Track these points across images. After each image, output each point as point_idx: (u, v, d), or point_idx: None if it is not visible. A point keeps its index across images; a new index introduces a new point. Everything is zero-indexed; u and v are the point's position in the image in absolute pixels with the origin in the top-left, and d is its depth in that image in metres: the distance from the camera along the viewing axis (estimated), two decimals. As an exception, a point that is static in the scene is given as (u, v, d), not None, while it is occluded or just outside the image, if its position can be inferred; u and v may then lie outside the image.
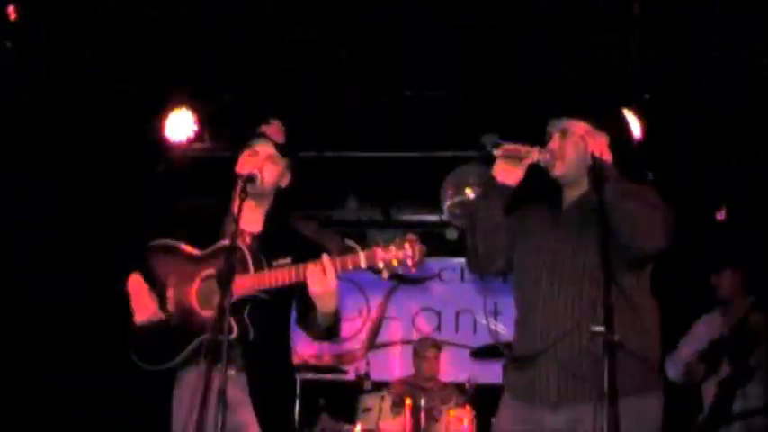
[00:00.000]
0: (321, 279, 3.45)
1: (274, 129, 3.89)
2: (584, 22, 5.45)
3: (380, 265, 3.40)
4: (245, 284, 3.57)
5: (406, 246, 3.39)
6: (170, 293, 3.78)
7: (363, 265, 3.43)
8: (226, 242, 3.70)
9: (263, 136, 3.85)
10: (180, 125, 6.51)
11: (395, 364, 8.19)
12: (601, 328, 2.84)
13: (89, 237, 6.39)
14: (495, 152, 3.49)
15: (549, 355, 3.36)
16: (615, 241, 3.19)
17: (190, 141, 6.54)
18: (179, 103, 6.50)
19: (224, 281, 3.31)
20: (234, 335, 3.58)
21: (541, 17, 5.44)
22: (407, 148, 7.05)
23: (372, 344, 8.38)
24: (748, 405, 5.21)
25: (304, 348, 7.93)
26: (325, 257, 3.46)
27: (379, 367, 7.30)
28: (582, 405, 3.23)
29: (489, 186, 3.58)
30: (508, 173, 3.53)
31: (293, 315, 3.89)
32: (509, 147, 3.49)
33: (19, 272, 6.03)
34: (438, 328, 8.34)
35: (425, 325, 8.39)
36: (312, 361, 8.00)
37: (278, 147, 3.85)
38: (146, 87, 6.36)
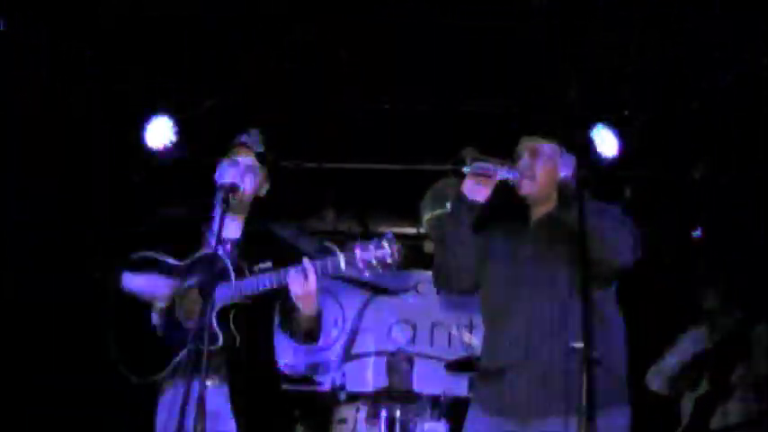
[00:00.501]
0: (302, 282, 3.49)
1: (253, 138, 3.89)
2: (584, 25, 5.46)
3: (360, 265, 3.43)
4: (227, 293, 3.59)
5: (385, 244, 3.42)
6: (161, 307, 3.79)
7: (343, 266, 3.46)
8: (205, 252, 3.72)
9: (243, 145, 3.86)
10: (159, 131, 6.50)
11: (369, 376, 8.16)
12: (580, 345, 2.87)
13: (89, 237, 6.35)
14: (465, 170, 3.52)
15: (518, 370, 3.40)
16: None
17: (168, 148, 6.52)
18: (159, 109, 6.49)
19: (206, 291, 3.33)
20: (219, 343, 3.59)
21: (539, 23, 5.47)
22: (387, 160, 7.05)
23: (348, 355, 8.35)
24: (728, 422, 5.24)
25: (280, 358, 7.87)
26: (305, 261, 3.49)
27: (353, 379, 7.27)
28: (552, 418, 3.29)
29: (458, 203, 3.61)
30: (477, 190, 3.57)
31: (276, 320, 3.91)
32: (479, 164, 3.52)
33: (19, 272, 5.99)
34: (413, 340, 8.33)
35: (400, 337, 8.38)
36: (287, 371, 7.96)
37: (258, 156, 3.85)
38: (146, 88, 6.33)
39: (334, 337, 8.38)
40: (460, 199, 3.59)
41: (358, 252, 3.43)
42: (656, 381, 5.64)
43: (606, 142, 6.25)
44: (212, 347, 3.56)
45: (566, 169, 3.55)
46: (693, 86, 5.93)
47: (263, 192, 3.97)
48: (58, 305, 6.09)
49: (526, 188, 3.59)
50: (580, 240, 3.08)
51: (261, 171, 3.90)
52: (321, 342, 8.15)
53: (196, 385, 3.48)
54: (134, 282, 3.81)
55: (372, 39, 5.75)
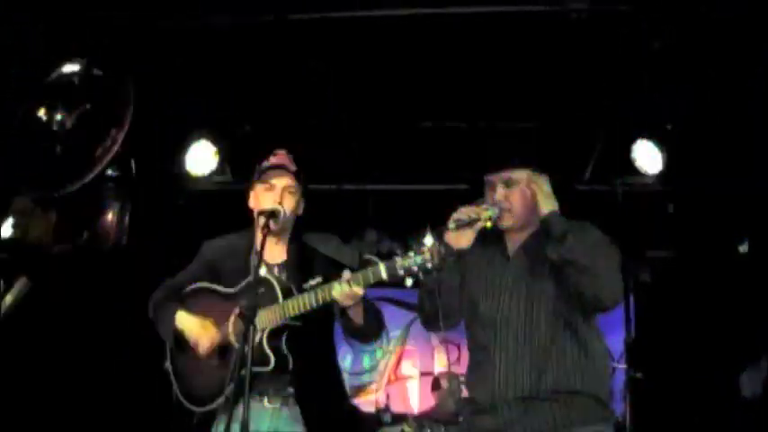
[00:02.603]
0: (348, 294, 3.50)
1: (284, 158, 3.89)
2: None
3: (401, 273, 3.42)
4: (275, 314, 3.62)
5: (424, 249, 3.41)
6: (212, 325, 3.79)
7: (384, 275, 3.47)
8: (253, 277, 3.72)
9: (277, 167, 3.85)
10: (201, 157, 6.56)
11: (414, 397, 8.13)
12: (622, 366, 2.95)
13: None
14: (448, 225, 3.51)
15: (504, 399, 3.40)
16: (570, 290, 3.36)
17: (211, 174, 6.57)
18: (199, 136, 6.54)
19: (248, 315, 3.34)
20: (270, 366, 3.61)
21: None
22: (427, 180, 7.04)
23: (392, 377, 8.33)
24: None
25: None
26: (346, 273, 3.51)
27: (397, 400, 7.26)
28: None
29: (446, 254, 3.56)
30: (461, 238, 3.54)
31: (341, 334, 3.90)
32: (460, 216, 3.50)
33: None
34: (458, 360, 8.27)
35: (445, 358, 8.32)
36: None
37: (293, 176, 3.86)
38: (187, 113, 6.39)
39: (378, 358, 8.35)
40: (447, 250, 3.55)
41: (398, 260, 3.43)
42: (748, 384, 5.51)
43: (649, 158, 6.21)
44: (262, 370, 3.59)
45: (543, 195, 3.50)
46: (736, 97, 5.83)
47: (300, 210, 3.96)
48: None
49: (507, 221, 3.57)
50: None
51: (298, 191, 3.89)
52: (366, 365, 8.33)
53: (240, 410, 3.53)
54: (183, 321, 3.83)
55: (408, 58, 5.74)
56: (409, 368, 8.38)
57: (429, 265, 3.40)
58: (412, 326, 8.46)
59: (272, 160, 3.92)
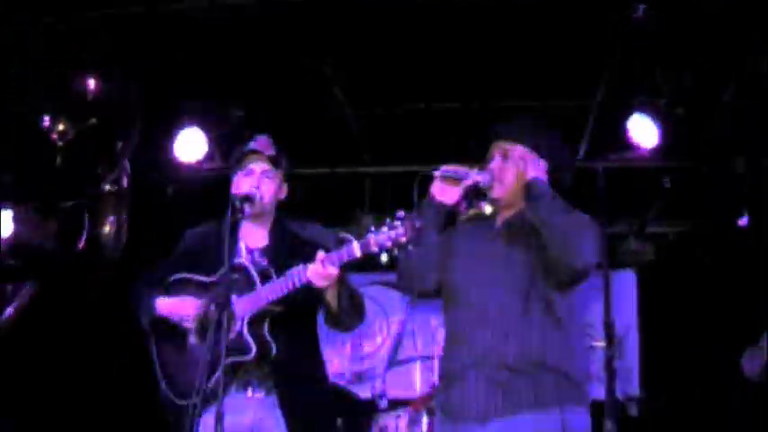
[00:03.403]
0: (323, 275, 3.47)
1: (263, 143, 3.84)
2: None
3: (375, 249, 3.39)
4: (254, 300, 3.58)
5: (397, 224, 3.37)
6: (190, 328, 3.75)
7: (359, 253, 3.43)
8: (233, 262, 3.67)
9: (254, 152, 3.81)
10: (191, 144, 6.48)
11: (416, 381, 8.05)
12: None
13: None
14: (435, 173, 3.53)
15: (476, 371, 3.36)
16: (545, 258, 3.34)
17: (200, 161, 6.49)
18: (189, 122, 6.46)
19: (220, 303, 3.28)
20: (251, 354, 3.56)
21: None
22: (422, 162, 6.95)
23: (393, 361, 8.25)
24: None
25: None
26: (320, 254, 3.46)
27: (398, 384, 7.18)
28: (511, 417, 3.28)
29: (426, 204, 3.57)
30: (445, 192, 3.55)
31: (321, 321, 3.85)
32: (448, 167, 3.52)
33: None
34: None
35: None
36: (332, 381, 7.88)
37: (271, 160, 3.80)
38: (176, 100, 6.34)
39: (378, 343, 8.29)
40: (428, 200, 3.57)
41: (372, 236, 3.39)
42: (747, 365, 5.43)
43: (645, 132, 6.11)
44: (243, 359, 3.56)
45: (535, 172, 3.51)
46: (733, 72, 5.75)
47: (282, 195, 3.93)
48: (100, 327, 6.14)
49: (497, 191, 3.56)
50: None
51: (276, 175, 3.85)
52: (366, 349, 8.28)
53: (230, 399, 3.48)
54: (163, 305, 3.79)
55: (403, 38, 5.68)
56: (410, 351, 8.31)
57: (403, 240, 3.36)
58: (412, 309, 8.38)
59: (251, 145, 3.88)
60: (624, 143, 6.11)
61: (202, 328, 3.67)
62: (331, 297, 3.60)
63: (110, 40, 5.26)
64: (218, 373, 3.20)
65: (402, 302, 8.30)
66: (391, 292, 8.14)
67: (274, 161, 3.83)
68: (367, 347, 8.23)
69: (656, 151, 6.09)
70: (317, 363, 3.90)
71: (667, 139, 6.01)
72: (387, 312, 8.37)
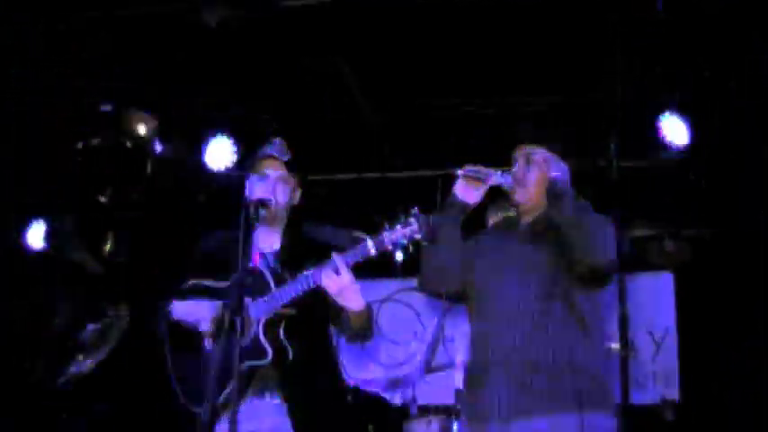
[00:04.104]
0: (335, 278, 3.44)
1: (278, 147, 3.83)
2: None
3: (390, 247, 3.37)
4: (268, 304, 3.57)
5: (411, 220, 3.36)
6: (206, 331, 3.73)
7: (373, 251, 3.41)
8: (247, 267, 3.66)
9: (270, 157, 3.80)
10: (219, 153, 6.51)
11: (451, 387, 8.00)
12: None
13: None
14: (458, 172, 3.57)
15: (499, 373, 3.36)
16: (569, 259, 3.35)
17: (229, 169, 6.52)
18: (218, 131, 6.49)
19: (232, 307, 3.27)
20: (268, 358, 3.53)
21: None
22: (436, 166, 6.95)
23: (429, 368, 8.19)
24: None
25: (357, 373, 7.79)
26: (334, 255, 3.45)
27: (434, 391, 7.14)
28: (535, 419, 3.27)
29: (448, 204, 3.62)
30: (468, 192, 3.60)
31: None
32: (471, 167, 3.56)
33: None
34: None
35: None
36: (367, 388, 7.85)
37: (286, 165, 3.79)
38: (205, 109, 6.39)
39: (413, 349, 8.25)
40: (451, 199, 3.61)
41: (385, 234, 3.37)
42: None
43: (676, 131, 6.04)
44: (260, 363, 3.53)
45: (557, 172, 3.54)
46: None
47: (296, 200, 3.92)
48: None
49: (519, 196, 3.60)
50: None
51: (291, 180, 3.85)
52: (401, 356, 8.24)
53: (248, 404, 3.47)
54: (179, 310, 3.79)
55: (427, 40, 5.68)
56: (446, 357, 8.25)
57: (417, 236, 3.35)
58: (448, 314, 8.33)
59: (266, 150, 3.87)
60: (655, 142, 6.04)
61: (218, 332, 3.66)
62: (351, 303, 3.55)
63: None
64: (242, 379, 3.21)
65: (438, 308, 8.25)
66: (427, 298, 8.10)
67: (289, 166, 3.82)
68: (402, 354, 8.19)
69: (689, 150, 6.01)
70: (332, 366, 3.87)
71: (700, 137, 5.92)
72: (421, 318, 8.32)
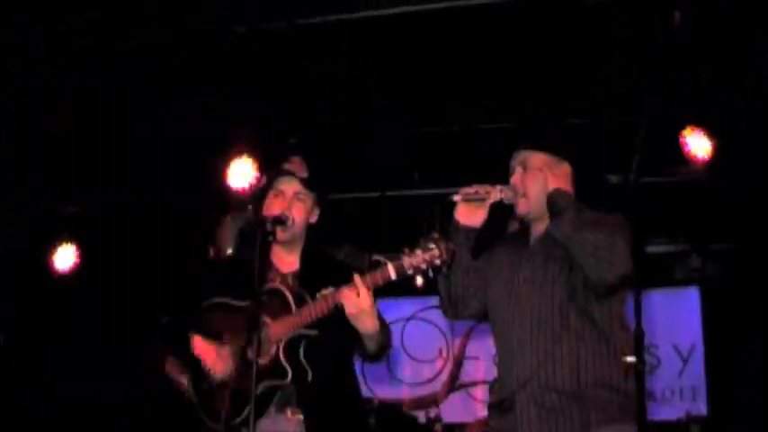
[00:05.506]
0: (355, 300, 3.37)
1: (296, 164, 3.77)
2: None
3: (410, 271, 3.30)
4: (289, 324, 3.50)
5: (432, 246, 3.28)
6: (227, 350, 3.67)
7: (394, 276, 3.34)
8: (268, 287, 3.64)
9: (287, 173, 3.75)
10: (242, 172, 6.53)
11: (476, 405, 7.96)
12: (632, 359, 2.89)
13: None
14: (455, 197, 3.46)
15: (525, 395, 3.28)
16: (581, 272, 3.22)
17: (251, 187, 6.53)
18: (241, 151, 6.51)
19: (251, 326, 3.25)
20: (288, 378, 3.48)
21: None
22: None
23: (454, 385, 8.16)
24: None
25: (383, 392, 7.76)
26: (355, 277, 3.38)
27: (460, 408, 7.13)
28: None
29: (453, 230, 3.50)
30: (471, 215, 3.48)
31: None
32: (468, 190, 3.44)
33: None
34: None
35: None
36: (393, 405, 7.82)
37: (303, 182, 3.74)
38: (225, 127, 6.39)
39: (439, 367, 8.22)
40: (454, 225, 3.50)
41: (406, 259, 3.30)
42: None
43: (699, 146, 5.99)
44: (280, 383, 3.49)
45: (557, 180, 3.40)
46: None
47: (314, 218, 3.82)
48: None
49: (522, 208, 3.46)
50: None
51: (309, 197, 3.75)
52: (427, 374, 8.21)
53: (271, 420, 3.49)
54: (197, 349, 3.70)
55: (444, 56, 5.67)
56: (472, 375, 8.22)
57: (438, 262, 3.27)
58: (473, 332, 8.30)
59: (284, 166, 3.78)
60: (679, 157, 5.99)
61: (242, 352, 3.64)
62: (366, 326, 3.49)
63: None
64: (262, 398, 3.19)
65: (462, 326, 8.23)
66: (450, 316, 8.07)
67: (308, 183, 3.75)
68: (427, 372, 8.16)
69: (713, 165, 5.96)
70: (350, 388, 3.80)
71: (723, 150, 5.88)
72: (446, 337, 8.29)
